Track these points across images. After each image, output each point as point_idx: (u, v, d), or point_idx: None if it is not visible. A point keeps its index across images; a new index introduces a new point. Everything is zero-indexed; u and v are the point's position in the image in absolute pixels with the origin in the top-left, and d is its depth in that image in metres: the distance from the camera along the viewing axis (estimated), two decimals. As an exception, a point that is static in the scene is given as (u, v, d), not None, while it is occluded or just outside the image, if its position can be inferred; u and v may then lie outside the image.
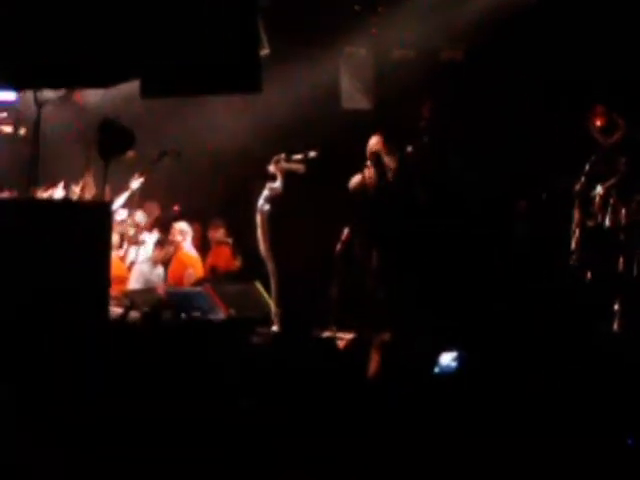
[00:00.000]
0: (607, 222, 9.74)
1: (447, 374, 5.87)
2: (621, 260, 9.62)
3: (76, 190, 12.02)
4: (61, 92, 10.15)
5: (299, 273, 11.17)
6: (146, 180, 12.41)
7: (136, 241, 12.73)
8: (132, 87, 8.71)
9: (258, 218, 11.18)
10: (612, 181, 9.81)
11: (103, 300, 8.27)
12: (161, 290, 11.45)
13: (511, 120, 10.98)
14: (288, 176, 11.05)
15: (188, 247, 12.41)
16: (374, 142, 10.25)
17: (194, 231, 12.68)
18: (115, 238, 11.69)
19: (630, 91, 10.04)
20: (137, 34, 8.26)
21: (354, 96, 12.26)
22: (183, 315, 10.20)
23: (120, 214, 12.34)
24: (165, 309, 10.57)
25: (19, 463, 4.90)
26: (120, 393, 5.54)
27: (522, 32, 10.75)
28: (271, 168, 11.11)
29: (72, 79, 8.82)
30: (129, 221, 12.67)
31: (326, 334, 9.54)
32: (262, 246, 11.20)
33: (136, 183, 12.35)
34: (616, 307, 9.50)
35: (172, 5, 8.32)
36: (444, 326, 8.95)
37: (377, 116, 11.86)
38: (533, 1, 10.64)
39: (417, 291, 9.89)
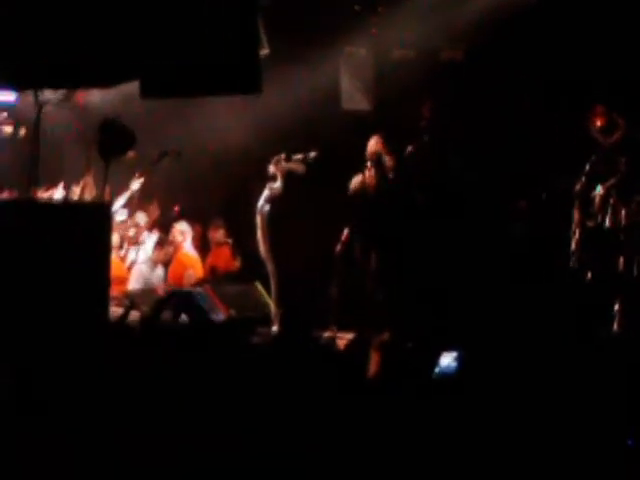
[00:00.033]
0: (607, 222, 9.73)
1: (447, 375, 5.87)
2: (621, 260, 9.62)
3: (76, 191, 12.02)
4: (61, 92, 10.15)
5: (299, 274, 11.17)
6: (146, 181, 12.41)
7: (136, 242, 12.73)
8: (132, 87, 8.69)
9: (258, 219, 11.18)
10: (612, 181, 9.80)
11: (103, 301, 8.27)
12: (161, 290, 11.46)
13: (511, 120, 10.98)
14: (288, 177, 11.05)
15: (188, 248, 12.41)
16: (374, 143, 10.25)
17: (194, 232, 12.68)
18: (115, 239, 11.70)
19: (630, 91, 10.02)
20: (136, 34, 8.24)
21: (354, 96, 12.26)
22: (183, 316, 10.21)
23: (120, 215, 12.35)
24: (165, 309, 10.58)
25: (18, 463, 4.90)
26: (120, 394, 5.54)
27: (522, 32, 10.75)
28: (271, 169, 11.11)
29: (72, 79, 8.80)
30: (129, 222, 12.68)
31: (326, 334, 9.54)
32: (262, 247, 11.20)
33: (136, 184, 12.36)
34: (616, 308, 9.50)
35: (171, 5, 8.31)
36: (444, 327, 8.95)
37: (377, 116, 11.87)
38: (533, 1, 10.63)
39: (417, 291, 9.90)
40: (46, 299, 7.70)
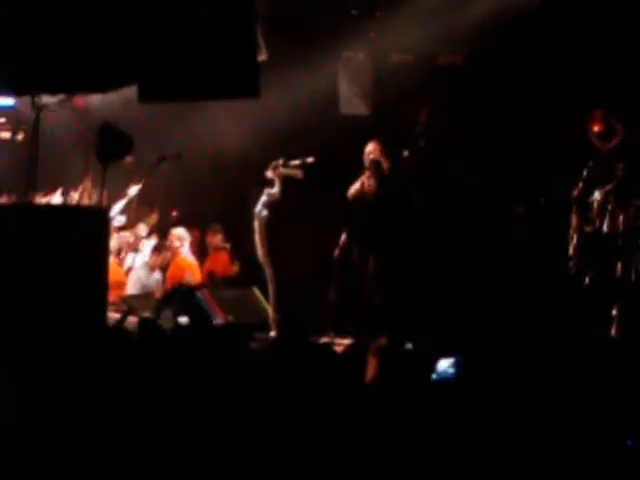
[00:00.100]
0: (605, 228, 9.73)
1: (445, 380, 5.86)
2: (619, 265, 9.61)
3: (75, 196, 12.01)
4: (60, 97, 10.15)
5: (297, 278, 11.17)
6: (145, 185, 12.42)
7: (135, 248, 12.74)
8: (132, 91, 8.71)
9: (256, 224, 11.19)
10: (610, 187, 9.79)
11: (101, 305, 8.27)
12: (159, 295, 11.47)
13: (509, 125, 10.98)
14: (286, 182, 11.07)
15: (186, 252, 12.41)
16: (372, 149, 10.25)
17: (192, 236, 12.68)
18: (113, 244, 11.69)
19: (629, 96, 10.03)
20: (135, 39, 8.26)
21: (352, 101, 12.27)
22: (183, 318, 10.22)
23: (118, 221, 12.35)
24: (168, 304, 10.61)
25: (17, 467, 4.90)
26: (118, 398, 5.53)
27: (520, 37, 10.75)
28: (269, 174, 11.13)
29: (70, 84, 8.82)
30: (128, 234, 12.69)
31: (324, 340, 9.54)
32: (260, 251, 11.21)
33: (134, 189, 12.37)
34: (614, 312, 9.50)
35: (170, 10, 8.33)
36: (442, 331, 8.95)
37: (375, 121, 11.87)
38: (531, 6, 10.64)
39: (414, 296, 9.90)
40: (44, 303, 7.70)
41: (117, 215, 12.26)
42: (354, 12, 11.79)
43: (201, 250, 13.06)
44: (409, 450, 4.83)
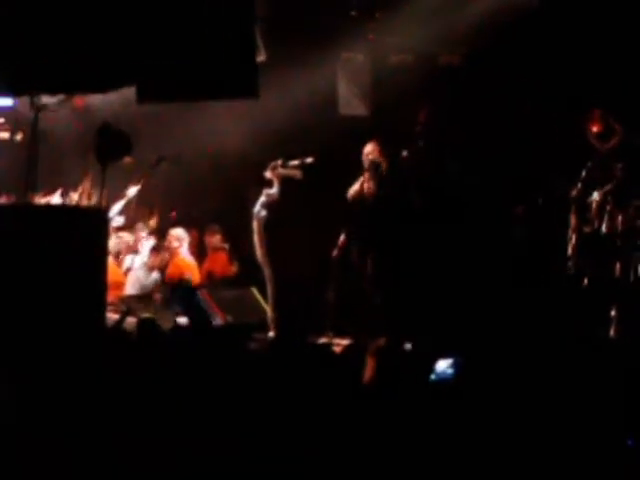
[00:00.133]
0: (604, 228, 9.73)
1: (443, 381, 5.86)
2: (618, 266, 9.61)
3: (74, 197, 12.01)
4: (59, 97, 10.16)
5: (295, 279, 11.17)
6: (144, 185, 12.42)
7: (134, 249, 12.73)
8: (131, 92, 8.72)
9: (255, 224, 11.19)
10: (609, 187, 9.79)
11: (100, 305, 8.27)
12: (157, 296, 11.47)
13: (508, 125, 10.97)
14: (285, 182, 11.07)
15: (185, 253, 12.41)
16: (371, 149, 10.25)
17: (191, 237, 12.68)
18: (112, 247, 11.68)
19: (627, 97, 10.03)
20: (134, 40, 8.27)
21: (351, 102, 12.26)
22: (182, 319, 10.23)
23: (117, 221, 12.35)
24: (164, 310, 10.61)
25: (17, 468, 4.91)
26: (117, 398, 5.53)
27: (519, 38, 10.74)
28: (268, 174, 11.13)
29: (70, 84, 8.82)
30: (127, 235, 12.69)
31: (322, 340, 9.54)
32: (258, 252, 11.21)
33: (133, 190, 12.37)
34: (613, 313, 9.50)
35: (169, 11, 8.33)
36: (441, 332, 8.95)
37: (374, 122, 11.87)
38: (530, 6, 10.63)
39: (413, 297, 9.90)
40: (43, 304, 7.71)
41: (116, 216, 12.25)
42: (353, 13, 11.79)
43: (200, 250, 13.06)
44: (408, 450, 4.83)
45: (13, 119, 13.19)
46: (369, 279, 10.14)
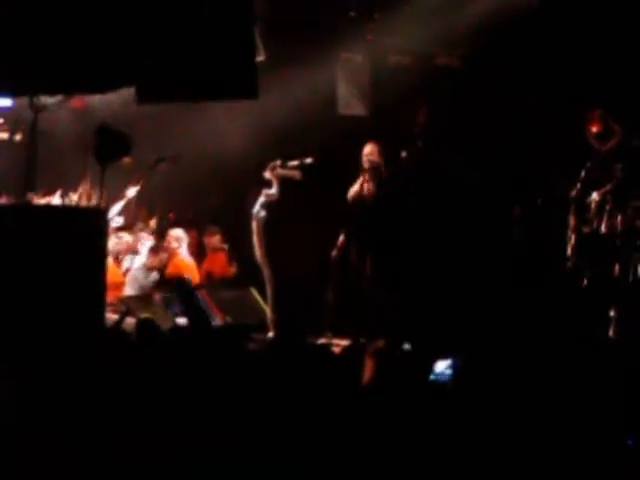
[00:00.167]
0: (603, 228, 9.73)
1: (442, 382, 5.86)
2: (617, 266, 9.61)
3: (74, 198, 12.00)
4: (58, 97, 10.17)
5: (295, 279, 11.17)
6: (143, 186, 12.42)
7: (134, 249, 12.73)
8: (131, 92, 8.72)
9: (254, 224, 11.19)
10: (608, 187, 9.80)
11: (99, 306, 8.28)
12: (156, 296, 11.46)
13: (507, 126, 10.98)
14: (284, 182, 11.07)
15: (184, 253, 12.41)
16: (370, 150, 10.25)
17: (190, 237, 12.68)
18: (111, 248, 11.67)
19: (626, 97, 10.03)
20: (133, 40, 8.27)
21: (350, 102, 12.27)
22: (182, 320, 10.23)
23: (116, 222, 12.35)
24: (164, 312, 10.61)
25: (17, 467, 4.91)
26: (116, 398, 5.54)
27: (518, 38, 10.74)
28: (267, 174, 11.12)
29: (69, 85, 8.82)
30: (126, 235, 12.68)
31: (321, 340, 9.54)
32: (258, 252, 11.20)
33: (132, 191, 12.36)
34: (612, 313, 9.50)
35: (168, 11, 8.33)
36: (440, 333, 8.95)
37: (373, 122, 11.87)
38: (530, 6, 10.63)
39: (412, 297, 9.90)
40: (43, 304, 7.72)
41: (115, 216, 12.25)
42: (352, 14, 11.79)
43: (199, 251, 13.06)
44: (406, 451, 4.83)
45: (12, 119, 13.18)
46: (368, 279, 10.15)
